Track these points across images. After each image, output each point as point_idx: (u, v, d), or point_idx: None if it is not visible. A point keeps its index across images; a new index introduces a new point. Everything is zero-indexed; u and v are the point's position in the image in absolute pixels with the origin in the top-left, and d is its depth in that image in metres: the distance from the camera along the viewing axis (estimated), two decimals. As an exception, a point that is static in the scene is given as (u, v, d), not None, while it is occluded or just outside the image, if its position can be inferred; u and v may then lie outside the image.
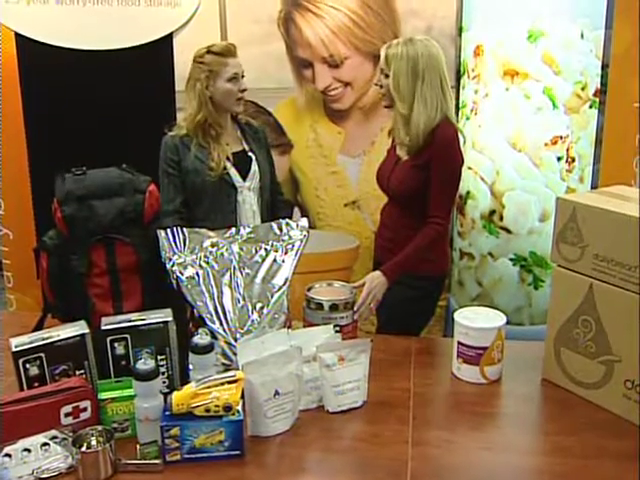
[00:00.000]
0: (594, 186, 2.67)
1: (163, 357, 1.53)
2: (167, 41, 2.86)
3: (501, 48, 2.55)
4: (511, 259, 2.73)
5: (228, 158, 2.23)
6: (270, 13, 2.90)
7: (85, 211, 1.60)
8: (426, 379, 1.74)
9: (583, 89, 2.55)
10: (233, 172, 2.25)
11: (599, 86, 2.58)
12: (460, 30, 2.79)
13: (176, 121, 2.36)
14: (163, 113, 2.66)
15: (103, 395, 1.41)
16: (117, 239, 1.61)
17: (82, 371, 1.47)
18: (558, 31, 2.47)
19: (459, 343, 1.72)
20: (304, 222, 1.76)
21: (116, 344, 1.50)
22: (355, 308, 1.82)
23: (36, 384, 1.41)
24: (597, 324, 1.57)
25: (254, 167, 2.30)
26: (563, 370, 1.68)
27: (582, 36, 2.49)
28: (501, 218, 2.69)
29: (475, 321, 1.70)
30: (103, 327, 1.48)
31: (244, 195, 2.27)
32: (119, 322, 1.50)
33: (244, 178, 2.27)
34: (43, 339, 1.43)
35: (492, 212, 2.71)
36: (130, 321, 1.51)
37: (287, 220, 1.76)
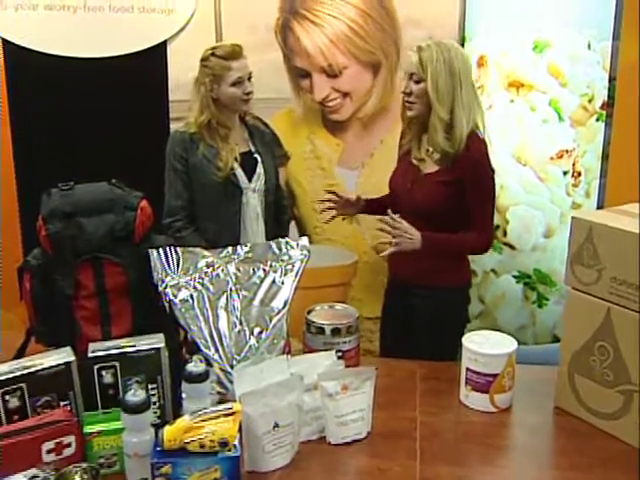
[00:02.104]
0: (600, 201, 2.60)
1: (154, 386, 1.44)
2: (161, 49, 2.77)
3: (506, 59, 2.48)
4: (515, 276, 2.65)
5: (235, 158, 2.18)
6: (267, 21, 2.82)
7: (72, 229, 1.50)
8: (433, 407, 1.65)
9: (590, 101, 2.48)
10: (239, 173, 2.20)
11: (606, 99, 2.52)
12: (463, 40, 2.71)
13: (169, 132, 2.29)
14: (156, 124, 2.57)
15: (89, 428, 1.31)
16: (106, 259, 1.51)
17: (67, 402, 1.37)
18: (564, 42, 2.41)
19: (468, 369, 1.63)
20: (305, 241, 1.68)
21: (104, 372, 1.40)
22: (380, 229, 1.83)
23: (16, 417, 1.30)
24: (615, 351, 1.48)
25: (259, 169, 2.26)
26: (577, 398, 1.59)
27: (589, 47, 2.43)
28: (505, 234, 2.62)
29: (485, 346, 1.62)
30: (90, 354, 1.38)
31: (248, 196, 2.22)
32: (107, 349, 1.40)
33: (249, 179, 2.23)
34: (24, 368, 1.33)
35: (496, 227, 2.61)
36: (119, 348, 1.41)
37: (287, 239, 1.67)
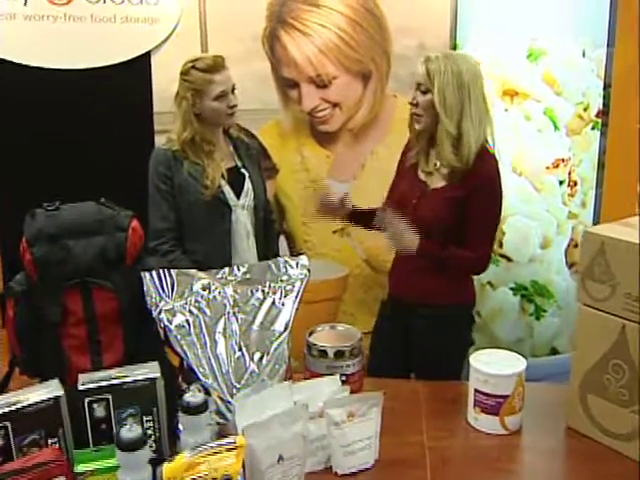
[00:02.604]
0: (597, 211, 2.57)
1: (150, 418, 1.34)
2: (145, 60, 2.68)
3: (499, 67, 2.44)
4: (511, 288, 2.60)
5: (222, 175, 2.09)
6: (254, 30, 2.75)
7: (58, 252, 1.40)
8: (440, 431, 1.58)
9: (585, 110, 2.45)
10: (227, 190, 2.11)
11: (601, 107, 2.48)
12: (454, 48, 2.67)
13: (154, 145, 2.20)
14: (141, 137, 2.48)
15: (80, 468, 1.22)
16: (95, 283, 1.42)
17: (55, 440, 1.27)
18: (559, 50, 2.38)
19: (477, 391, 1.56)
20: (304, 260, 1.60)
21: (95, 405, 1.30)
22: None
23: (0, 459, 1.21)
24: (630, 370, 1.43)
25: (248, 184, 2.17)
26: (591, 419, 1.53)
27: (584, 55, 2.40)
28: (501, 245, 2.57)
29: (494, 366, 1.55)
30: (80, 387, 1.29)
31: (238, 214, 2.13)
32: (99, 380, 1.31)
33: (238, 196, 2.13)
34: (9, 405, 1.22)
35: (491, 240, 2.58)
36: (112, 379, 1.31)
37: (285, 258, 1.59)
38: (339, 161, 2.91)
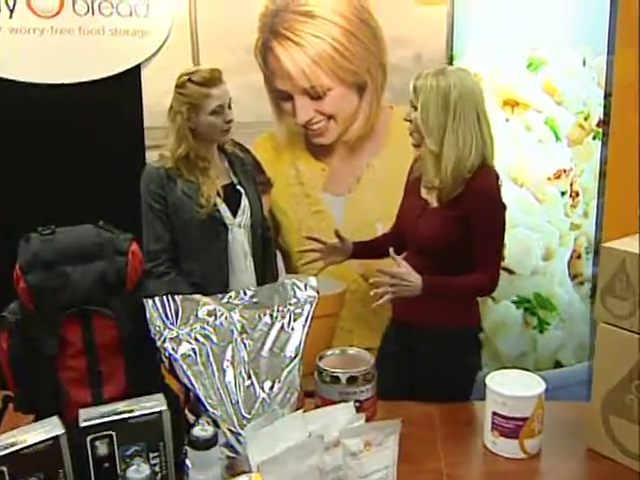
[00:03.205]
0: (599, 221, 2.53)
1: (156, 454, 1.27)
2: (134, 73, 2.60)
3: (499, 77, 2.41)
4: (514, 301, 2.55)
5: (218, 193, 2.00)
6: (246, 42, 2.68)
7: (55, 279, 1.32)
8: (457, 456, 1.52)
9: (586, 119, 2.42)
10: (223, 208, 2.03)
11: (602, 116, 2.45)
12: (451, 58, 2.63)
13: (145, 162, 2.12)
14: (131, 153, 2.40)
15: (84, 511, 1.14)
16: (95, 311, 1.34)
17: (56, 482, 1.19)
18: (559, 59, 2.35)
19: (495, 414, 1.50)
20: (313, 281, 1.53)
21: (98, 443, 1.22)
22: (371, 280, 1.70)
23: (-2, 506, 1.12)
24: (656, 390, 1.38)
25: (244, 202, 2.09)
26: (613, 440, 1.47)
27: (584, 63, 2.36)
28: (503, 258, 2.51)
29: (512, 388, 1.50)
30: (82, 423, 1.21)
31: (234, 233, 2.05)
32: (102, 415, 1.23)
33: (234, 214, 2.05)
34: (5, 447, 1.14)
35: (494, 251, 2.53)
36: (115, 413, 1.24)
37: (293, 280, 1.52)
38: (334, 174, 2.84)
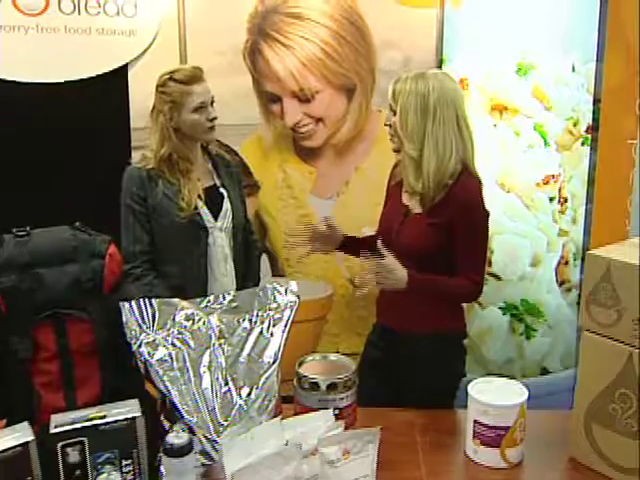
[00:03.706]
0: (587, 227, 2.52)
1: (129, 462, 1.24)
2: (121, 73, 2.57)
3: (488, 82, 2.39)
4: (501, 307, 2.54)
5: (199, 196, 1.98)
6: (235, 43, 2.66)
7: (29, 282, 1.29)
8: (438, 465, 1.50)
9: (575, 125, 2.41)
10: (204, 211, 2.00)
11: (591, 122, 2.44)
12: (441, 62, 2.61)
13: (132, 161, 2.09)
14: (117, 154, 2.36)
15: (53, 520, 1.11)
16: (69, 315, 1.31)
17: (25, 489, 1.16)
18: (549, 64, 2.33)
19: (476, 422, 1.48)
20: (293, 286, 1.51)
21: (69, 449, 1.20)
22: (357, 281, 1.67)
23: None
24: (639, 399, 1.36)
25: (226, 205, 2.06)
26: (596, 451, 1.46)
27: (573, 69, 2.36)
28: (490, 263, 2.50)
29: (494, 396, 1.48)
30: (53, 430, 1.18)
31: (215, 237, 2.01)
32: (73, 422, 1.21)
33: (216, 217, 2.02)
34: (-27, 453, 1.12)
35: (481, 257, 2.52)
36: (87, 419, 1.21)
37: (274, 284, 1.50)
38: (322, 177, 2.82)
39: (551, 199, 2.42)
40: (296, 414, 1.47)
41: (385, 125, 1.83)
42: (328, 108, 2.75)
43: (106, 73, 2.54)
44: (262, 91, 2.73)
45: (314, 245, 2.01)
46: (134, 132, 2.58)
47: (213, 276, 1.99)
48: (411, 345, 1.81)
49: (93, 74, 2.52)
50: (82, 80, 2.51)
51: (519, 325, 2.53)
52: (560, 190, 2.42)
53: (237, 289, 2.00)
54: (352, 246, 2.00)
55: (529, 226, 2.44)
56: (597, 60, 2.38)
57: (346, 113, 2.75)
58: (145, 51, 2.58)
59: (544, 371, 2.58)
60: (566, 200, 2.44)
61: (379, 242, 1.74)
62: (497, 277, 2.51)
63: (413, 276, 1.72)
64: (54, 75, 2.48)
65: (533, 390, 2.38)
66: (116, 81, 2.56)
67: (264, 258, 2.89)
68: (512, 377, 2.55)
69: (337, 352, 2.91)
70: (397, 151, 1.83)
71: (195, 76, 1.93)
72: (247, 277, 2.11)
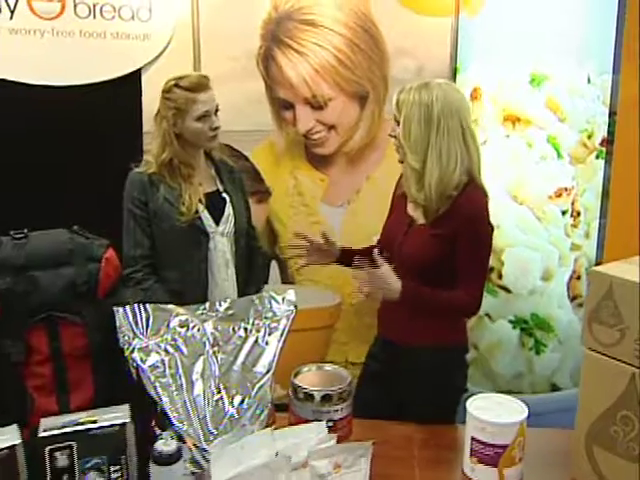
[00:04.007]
0: (601, 242, 2.47)
1: (118, 467, 1.24)
2: (135, 77, 2.59)
3: (501, 91, 2.36)
4: (510, 321, 2.49)
5: (200, 200, 1.98)
6: (248, 49, 2.66)
7: (24, 284, 1.30)
8: (434, 482, 1.47)
9: (589, 138, 2.36)
10: (205, 216, 2.00)
11: (606, 135, 2.40)
12: (455, 71, 2.59)
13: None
14: (129, 158, 2.38)
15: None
16: (63, 318, 1.31)
17: (11, 493, 1.16)
18: (563, 75, 2.29)
19: (473, 440, 1.45)
20: (291, 295, 1.49)
21: (57, 454, 1.19)
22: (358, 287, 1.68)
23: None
24: (641, 422, 1.32)
25: (228, 210, 2.05)
26: (598, 473, 1.42)
27: (589, 81, 2.31)
28: (500, 276, 2.46)
29: (492, 413, 1.44)
30: (41, 434, 1.18)
31: (216, 241, 2.01)
32: (62, 426, 1.20)
33: (217, 222, 2.02)
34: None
35: (490, 269, 2.47)
36: (76, 424, 1.21)
37: (271, 293, 1.48)
38: (334, 185, 2.81)
39: (563, 212, 2.37)
40: (291, 424, 1.46)
41: (390, 136, 1.80)
42: (341, 115, 2.74)
43: (120, 77, 2.56)
44: (275, 97, 2.73)
45: (311, 258, 2.01)
46: (146, 136, 2.59)
47: (214, 281, 1.99)
48: (412, 358, 1.79)
49: (107, 78, 2.54)
50: (95, 84, 2.53)
51: (529, 339, 2.49)
52: (573, 203, 2.38)
53: (239, 295, 2.00)
54: (350, 259, 1.98)
55: (540, 239, 2.39)
56: (613, 72, 2.33)
57: (358, 121, 2.74)
58: (159, 56, 2.60)
59: (554, 387, 2.53)
60: (579, 214, 2.39)
61: (375, 251, 1.72)
62: (507, 290, 2.46)
63: (407, 287, 1.70)
64: (68, 78, 2.51)
65: (543, 407, 2.32)
66: (129, 85, 2.58)
67: (274, 265, 2.89)
68: (521, 392, 2.56)
69: (346, 361, 2.93)
70: (402, 162, 1.81)
71: (201, 84, 1.94)
72: (249, 283, 2.10)
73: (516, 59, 2.32)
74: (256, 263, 2.18)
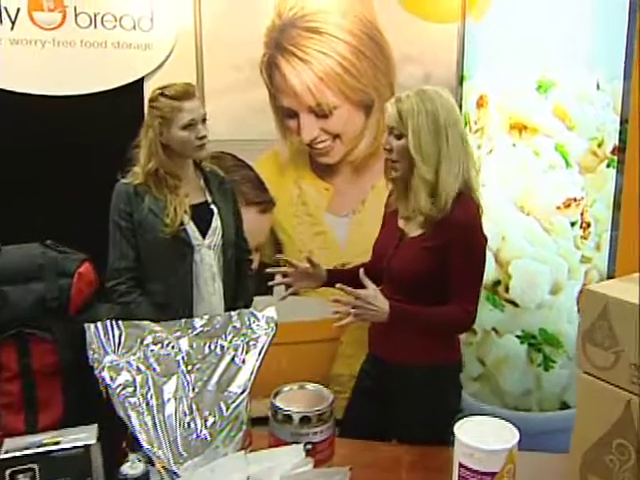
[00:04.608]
0: (612, 254, 2.37)
1: (83, 491, 1.20)
2: (137, 87, 2.57)
3: (507, 99, 2.28)
4: (518, 336, 2.41)
5: (186, 212, 1.94)
6: (252, 57, 2.63)
7: (-7, 299, 1.27)
8: (421, 507, 1.41)
9: (599, 146, 2.27)
10: (191, 228, 1.96)
11: (617, 143, 2.30)
12: (461, 78, 2.52)
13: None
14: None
15: None
16: (33, 334, 1.28)
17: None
18: (571, 81, 2.21)
19: (461, 465, 1.37)
20: (271, 312, 1.44)
21: (20, 476, 1.16)
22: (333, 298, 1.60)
23: None
24: (637, 452, 1.24)
25: (216, 222, 2.01)
26: (592, 504, 1.34)
27: (598, 87, 2.22)
28: (507, 289, 2.38)
29: (481, 439, 1.36)
30: (2, 455, 1.15)
31: (202, 254, 1.97)
32: (25, 447, 1.17)
33: (204, 234, 1.98)
34: None
35: (497, 283, 2.40)
36: (40, 445, 1.17)
37: (251, 310, 1.44)
38: (338, 195, 2.76)
39: (573, 223, 2.28)
40: (271, 446, 1.40)
41: (384, 150, 1.72)
42: (345, 124, 2.70)
43: (122, 86, 2.55)
44: (279, 106, 2.69)
45: (298, 284, 1.91)
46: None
47: (200, 295, 1.95)
48: (403, 376, 1.72)
49: (108, 88, 2.52)
50: (96, 94, 2.52)
51: (537, 355, 2.40)
52: (582, 214, 2.28)
53: (226, 309, 1.95)
54: (337, 280, 1.92)
55: (549, 251, 2.31)
56: (624, 77, 2.24)
57: (364, 129, 2.69)
58: (161, 65, 2.58)
59: (564, 405, 2.43)
60: (589, 225, 2.30)
61: (361, 272, 1.65)
62: (514, 304, 2.38)
63: (395, 308, 1.63)
64: (70, 88, 2.49)
65: (552, 425, 2.23)
66: (132, 94, 2.56)
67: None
68: (529, 410, 2.47)
69: (350, 374, 2.86)
70: (393, 178, 1.75)
71: (186, 92, 1.90)
72: (238, 297, 2.05)
73: (522, 65, 2.25)
74: (246, 276, 2.13)
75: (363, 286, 1.64)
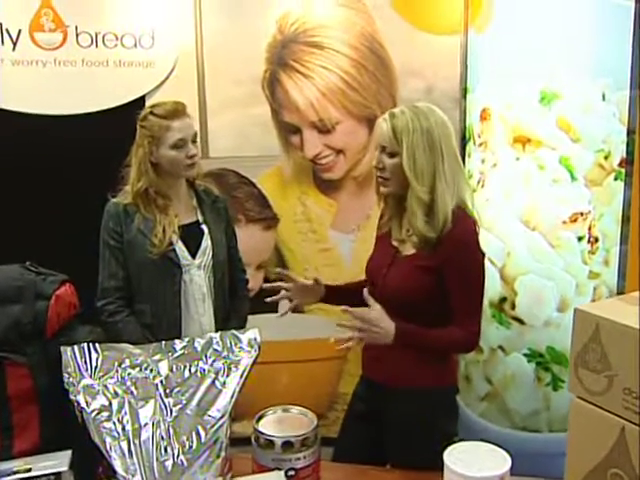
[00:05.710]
0: (622, 270, 2.29)
1: (54, 519, 1.17)
2: (139, 105, 2.57)
3: (510, 111, 2.24)
4: (525, 354, 2.34)
5: (175, 232, 1.93)
6: (253, 73, 2.62)
7: (-34, 323, 1.26)
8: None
9: (606, 158, 2.21)
10: (180, 248, 1.94)
11: (625, 155, 2.24)
12: (465, 91, 2.48)
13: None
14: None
15: None
16: (8, 359, 1.27)
17: None
18: (575, 92, 2.16)
19: (451, 494, 1.32)
20: (255, 333, 1.40)
21: (-10, 504, 1.14)
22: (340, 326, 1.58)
23: None
24: (633, 483, 1.17)
25: (206, 242, 1.99)
26: (588, 537, 1.27)
27: (603, 98, 2.17)
28: (513, 307, 2.33)
29: (471, 465, 1.31)
30: (-29, 483, 1.13)
31: (192, 274, 1.95)
32: (-4, 474, 1.15)
33: (194, 255, 1.96)
34: None
35: (502, 299, 2.34)
36: (11, 473, 1.15)
37: (234, 332, 1.40)
38: (343, 211, 2.73)
39: (580, 238, 2.22)
40: (253, 472, 1.37)
41: (376, 168, 1.68)
42: (349, 139, 2.67)
43: (124, 105, 2.55)
44: (281, 122, 2.68)
45: (297, 300, 1.88)
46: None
47: (189, 315, 1.93)
48: (397, 400, 1.67)
49: (110, 106, 2.53)
50: (99, 112, 2.52)
51: (545, 374, 2.33)
52: (590, 229, 2.22)
53: (217, 330, 1.92)
54: (336, 296, 1.88)
55: (555, 267, 2.24)
56: (631, 87, 2.17)
57: (367, 144, 2.66)
58: (163, 82, 2.58)
59: (575, 426, 2.35)
60: (597, 240, 2.23)
61: (365, 291, 1.61)
62: (521, 321, 2.32)
63: (401, 329, 1.58)
64: (72, 107, 2.50)
65: (560, 447, 2.16)
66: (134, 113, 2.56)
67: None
68: (538, 431, 2.39)
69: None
70: (385, 195, 1.71)
71: (176, 111, 1.89)
72: (231, 318, 2.02)
73: (525, 76, 2.21)
74: (239, 297, 2.10)
75: (363, 299, 1.61)
